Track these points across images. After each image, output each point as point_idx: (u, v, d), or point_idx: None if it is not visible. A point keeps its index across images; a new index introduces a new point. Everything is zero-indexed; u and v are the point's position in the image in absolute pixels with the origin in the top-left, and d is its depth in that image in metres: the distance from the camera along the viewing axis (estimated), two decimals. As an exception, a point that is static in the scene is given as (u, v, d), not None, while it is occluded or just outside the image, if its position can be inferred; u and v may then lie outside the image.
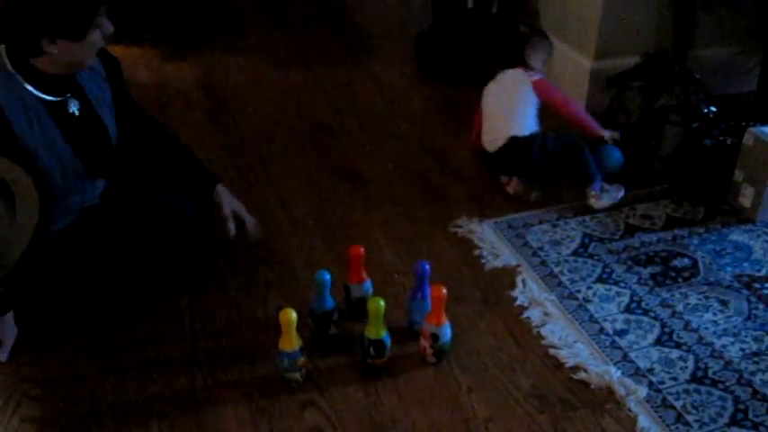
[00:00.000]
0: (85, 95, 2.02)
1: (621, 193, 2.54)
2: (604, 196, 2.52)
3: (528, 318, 2.09)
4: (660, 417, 1.77)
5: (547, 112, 2.73)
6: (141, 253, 2.13)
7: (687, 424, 1.75)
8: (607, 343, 1.99)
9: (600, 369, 1.90)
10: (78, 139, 2.00)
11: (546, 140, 2.61)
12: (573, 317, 2.08)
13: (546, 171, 2.65)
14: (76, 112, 2.00)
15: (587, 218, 2.51)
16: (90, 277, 2.10)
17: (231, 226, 2.15)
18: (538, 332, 2.04)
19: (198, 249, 2.27)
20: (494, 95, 2.77)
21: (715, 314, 2.09)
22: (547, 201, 2.59)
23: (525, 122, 2.67)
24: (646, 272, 2.26)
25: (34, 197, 1.96)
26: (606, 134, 2.70)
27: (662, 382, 1.87)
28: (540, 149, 2.59)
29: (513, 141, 2.62)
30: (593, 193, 2.53)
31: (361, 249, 1.99)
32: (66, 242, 2.05)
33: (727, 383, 1.86)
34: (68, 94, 1.98)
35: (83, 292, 2.11)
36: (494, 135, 2.68)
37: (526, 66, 2.74)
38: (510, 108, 2.71)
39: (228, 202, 2.19)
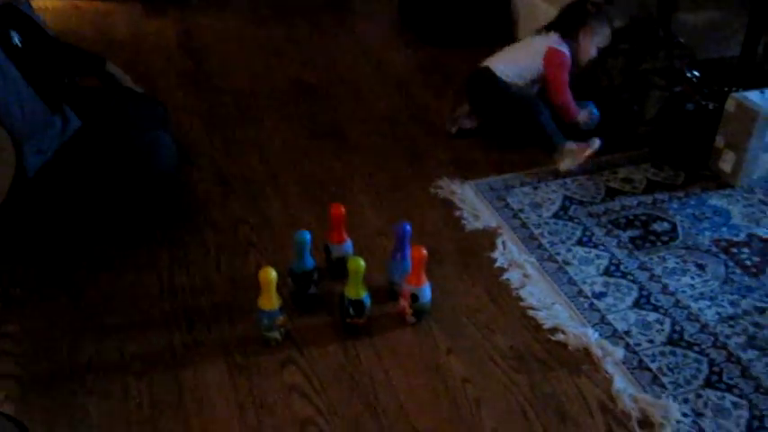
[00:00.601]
0: (27, 27, 2.04)
1: (595, 147, 2.55)
2: (567, 159, 2.53)
3: (507, 279, 2.09)
4: (636, 378, 1.79)
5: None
6: (121, 190, 2.15)
7: (662, 385, 1.77)
8: (585, 305, 2.01)
9: (578, 331, 1.91)
10: (28, 70, 1.98)
11: (509, 87, 2.64)
12: (552, 279, 2.09)
13: (498, 116, 2.70)
14: (19, 44, 2.00)
15: (568, 180, 2.51)
16: (70, 220, 2.10)
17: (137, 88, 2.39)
18: (517, 294, 2.05)
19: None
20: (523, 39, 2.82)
21: (692, 278, 2.11)
22: (525, 163, 2.59)
23: (510, 69, 2.68)
24: (625, 235, 2.27)
25: (8, 145, 1.93)
26: (580, 117, 2.70)
27: (638, 344, 1.89)
28: (500, 90, 2.65)
29: (486, 71, 2.69)
30: (555, 155, 2.55)
31: (342, 209, 1.99)
32: (45, 185, 2.05)
33: (703, 346, 1.89)
34: (9, 28, 1.98)
35: (63, 238, 2.11)
36: (487, 60, 2.73)
37: (565, 35, 2.67)
38: (513, 51, 2.76)
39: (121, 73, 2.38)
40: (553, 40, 2.67)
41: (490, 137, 2.73)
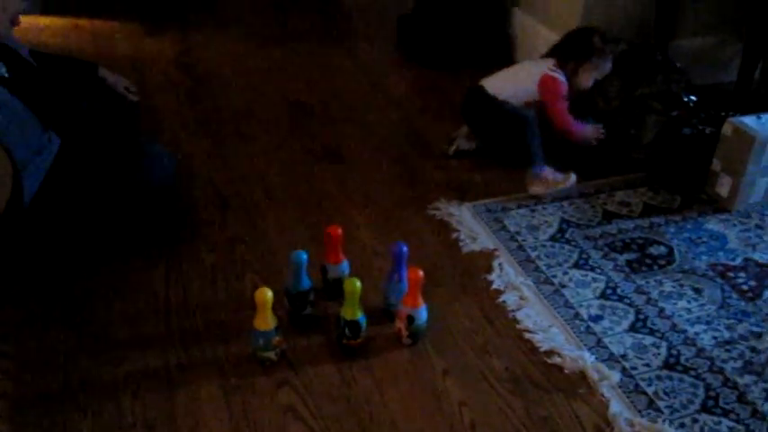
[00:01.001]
0: (13, 58, 2.14)
1: (566, 181, 2.55)
2: (537, 183, 2.54)
3: (504, 301, 2.09)
4: (632, 402, 1.78)
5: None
6: (113, 207, 2.19)
7: (658, 410, 1.76)
8: (582, 328, 2.00)
9: (574, 354, 1.91)
10: (22, 95, 2.07)
11: (502, 104, 2.64)
12: (548, 302, 2.09)
13: (492, 134, 2.71)
14: (6, 75, 2.08)
15: (565, 203, 2.52)
16: (63, 241, 2.13)
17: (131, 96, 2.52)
18: (513, 316, 2.04)
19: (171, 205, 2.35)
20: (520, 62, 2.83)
21: (689, 302, 2.11)
22: (523, 184, 2.58)
23: (504, 88, 2.68)
24: (622, 258, 2.27)
25: (6, 166, 1.94)
26: (589, 134, 2.70)
27: (635, 368, 1.88)
28: (493, 107, 2.65)
29: (480, 89, 2.70)
30: (528, 177, 2.55)
31: (339, 230, 1.99)
32: (38, 207, 2.06)
33: (699, 371, 1.88)
34: None
35: (58, 257, 2.12)
36: (483, 80, 2.74)
37: (562, 62, 2.66)
38: (508, 72, 2.76)
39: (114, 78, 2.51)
40: (549, 66, 2.66)
41: (488, 158, 2.74)
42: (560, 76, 2.64)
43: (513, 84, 2.70)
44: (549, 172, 2.54)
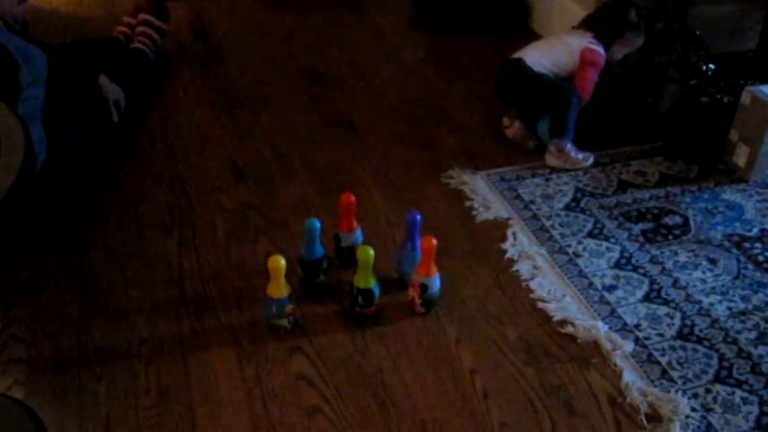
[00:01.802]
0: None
1: (586, 161, 2.53)
2: (558, 156, 2.52)
3: (517, 271, 2.08)
4: (645, 372, 1.78)
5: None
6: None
7: (671, 380, 1.76)
8: (595, 298, 2.00)
9: (587, 323, 1.90)
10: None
11: (542, 76, 2.58)
12: (562, 271, 2.08)
13: (530, 106, 2.63)
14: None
15: (580, 173, 2.50)
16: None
17: (114, 112, 2.53)
18: (527, 285, 2.04)
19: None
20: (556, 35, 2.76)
21: (704, 272, 2.09)
22: (540, 154, 2.56)
23: (544, 61, 2.61)
24: (637, 228, 2.25)
25: (19, 134, 1.95)
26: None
27: (648, 338, 1.87)
28: (533, 78, 2.58)
29: (518, 62, 2.61)
30: (551, 147, 2.53)
31: (353, 198, 1.98)
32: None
33: (713, 341, 1.87)
34: None
35: (72, 223, 2.18)
36: (519, 52, 2.68)
37: (603, 36, 2.61)
38: (546, 45, 2.70)
39: (112, 89, 2.53)
40: (589, 40, 2.60)
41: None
42: (600, 49, 2.59)
43: (550, 56, 2.63)
44: (572, 148, 2.52)
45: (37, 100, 2.15)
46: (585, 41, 2.60)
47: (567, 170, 2.51)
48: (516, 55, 2.66)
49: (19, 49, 2.12)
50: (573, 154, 2.52)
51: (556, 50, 2.64)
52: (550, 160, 2.53)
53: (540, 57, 2.63)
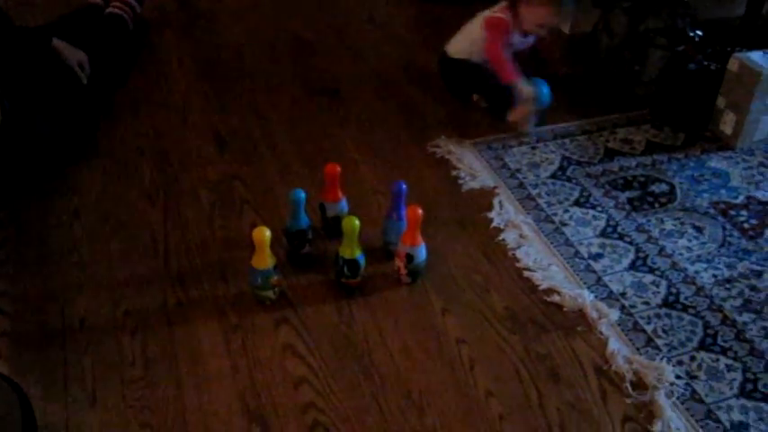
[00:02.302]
0: None
1: (533, 94, 2.50)
2: (513, 113, 2.52)
3: (503, 240, 2.08)
4: (630, 340, 1.79)
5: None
6: None
7: (657, 347, 1.77)
8: (582, 266, 2.00)
9: (573, 292, 1.90)
10: None
11: (461, 63, 2.63)
12: (548, 240, 2.08)
13: (467, 92, 2.66)
14: None
15: (567, 141, 2.49)
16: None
17: (81, 74, 2.48)
18: (513, 254, 2.03)
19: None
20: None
21: (690, 240, 2.10)
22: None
23: (461, 47, 2.65)
24: (623, 196, 2.25)
25: None
26: (521, 87, 2.51)
27: (634, 306, 1.88)
28: (455, 67, 2.65)
29: (443, 56, 2.70)
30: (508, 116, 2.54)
31: (338, 167, 1.96)
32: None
33: (698, 309, 1.88)
34: None
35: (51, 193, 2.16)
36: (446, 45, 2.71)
37: (511, 5, 2.55)
38: (464, 28, 2.69)
39: (69, 52, 2.46)
40: (493, 10, 2.58)
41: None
42: (503, 16, 2.55)
43: (467, 38, 2.65)
44: (518, 99, 2.50)
45: None
46: (492, 12, 2.59)
47: (535, 129, 2.52)
48: (444, 47, 2.70)
49: None
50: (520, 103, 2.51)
51: (471, 31, 2.65)
52: (511, 117, 2.53)
53: (460, 43, 2.66)
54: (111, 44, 2.74)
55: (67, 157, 2.31)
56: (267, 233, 1.75)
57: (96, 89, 2.54)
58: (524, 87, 2.50)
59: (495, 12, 2.58)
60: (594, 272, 1.98)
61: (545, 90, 2.53)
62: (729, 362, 1.74)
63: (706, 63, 2.53)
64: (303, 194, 1.88)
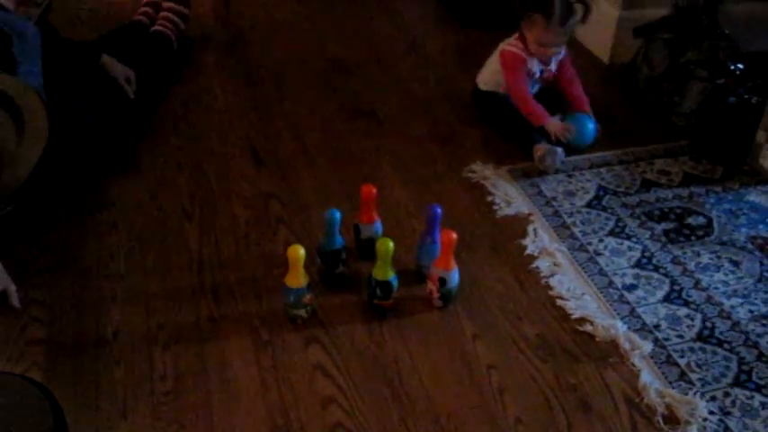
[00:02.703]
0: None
1: (554, 158, 2.43)
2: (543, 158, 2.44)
3: (537, 267, 2.07)
4: (663, 373, 1.77)
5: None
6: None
7: (690, 382, 1.74)
8: (615, 297, 1.98)
9: (606, 322, 1.89)
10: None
11: (489, 95, 2.66)
12: (582, 269, 2.07)
13: (505, 127, 2.62)
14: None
15: (603, 170, 2.48)
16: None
17: (128, 88, 2.54)
18: (546, 282, 2.02)
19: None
20: None
21: (726, 274, 2.07)
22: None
23: (486, 78, 2.69)
24: (659, 228, 2.23)
25: (41, 109, 1.96)
26: (550, 126, 2.50)
27: (667, 339, 1.86)
28: (492, 104, 2.66)
29: (475, 90, 2.73)
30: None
31: (374, 189, 1.97)
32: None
33: (733, 344, 1.85)
34: None
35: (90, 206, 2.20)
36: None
37: (520, 33, 2.56)
38: (489, 60, 2.71)
39: (118, 68, 2.54)
40: (509, 41, 2.60)
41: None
42: (516, 49, 2.56)
43: (491, 72, 2.67)
44: (541, 146, 2.45)
45: (34, 76, 2.16)
46: (506, 43, 2.60)
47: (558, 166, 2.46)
48: (475, 81, 2.74)
49: (6, 23, 2.12)
50: (540, 152, 2.44)
51: (493, 62, 2.67)
52: (542, 165, 2.45)
53: (486, 74, 2.68)
54: (156, 62, 2.80)
55: (109, 169, 2.34)
56: (301, 251, 1.76)
57: (141, 104, 2.58)
58: (553, 123, 2.50)
59: (510, 43, 2.59)
60: (628, 303, 1.96)
61: (590, 126, 2.54)
62: (764, 399, 1.71)
63: (746, 96, 2.51)
64: (338, 214, 1.89)
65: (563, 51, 2.61)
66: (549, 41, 2.51)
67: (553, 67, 2.62)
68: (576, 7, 2.50)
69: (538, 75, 2.62)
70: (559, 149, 2.43)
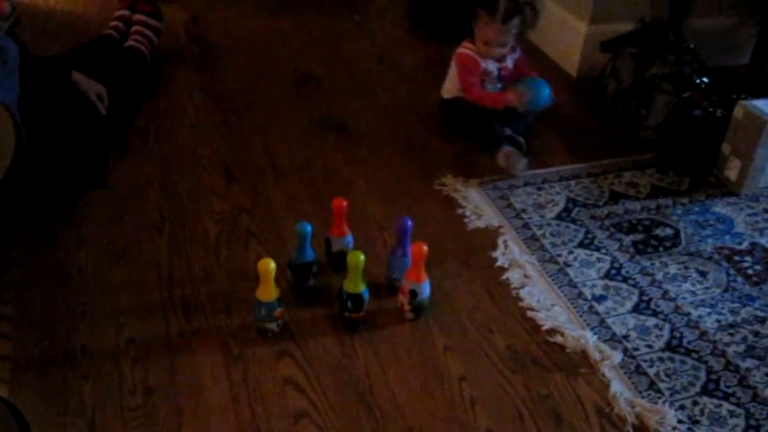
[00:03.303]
0: None
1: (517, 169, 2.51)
2: (500, 157, 2.52)
3: (507, 279, 2.08)
4: (633, 383, 1.78)
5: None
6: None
7: (659, 391, 1.76)
8: (585, 308, 2.00)
9: (576, 333, 1.90)
10: None
11: (452, 103, 2.71)
12: (552, 280, 2.08)
13: (469, 129, 2.67)
14: None
15: (572, 182, 2.50)
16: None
17: (99, 105, 2.53)
18: (516, 294, 2.04)
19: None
20: None
21: (693, 284, 2.10)
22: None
23: (448, 85, 2.75)
24: (628, 239, 2.25)
25: (6, 117, 1.94)
26: (509, 98, 2.61)
27: (637, 349, 1.87)
28: (455, 110, 2.71)
29: (441, 101, 2.78)
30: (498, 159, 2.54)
31: (344, 202, 1.98)
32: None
33: (701, 353, 1.87)
34: None
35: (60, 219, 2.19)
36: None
37: (471, 34, 2.68)
38: (450, 70, 2.77)
39: (88, 84, 2.52)
40: (463, 43, 2.69)
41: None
42: (468, 50, 2.66)
43: (451, 79, 2.74)
44: (505, 152, 2.52)
45: (12, 91, 2.14)
46: (460, 47, 2.69)
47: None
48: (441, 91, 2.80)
49: None
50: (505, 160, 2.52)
51: (452, 68, 2.74)
52: (512, 170, 2.52)
53: (447, 83, 2.76)
54: (129, 77, 2.78)
55: (80, 184, 2.32)
56: (272, 265, 1.76)
57: (112, 120, 2.56)
58: (511, 93, 2.59)
59: (463, 46, 2.68)
60: (598, 313, 1.98)
61: (545, 91, 2.61)
62: (732, 408, 1.73)
63: (711, 109, 2.55)
64: (309, 228, 1.89)
65: (517, 51, 2.71)
66: (491, 39, 2.60)
67: (509, 63, 2.71)
68: (524, 9, 2.59)
69: (496, 73, 2.69)
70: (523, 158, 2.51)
